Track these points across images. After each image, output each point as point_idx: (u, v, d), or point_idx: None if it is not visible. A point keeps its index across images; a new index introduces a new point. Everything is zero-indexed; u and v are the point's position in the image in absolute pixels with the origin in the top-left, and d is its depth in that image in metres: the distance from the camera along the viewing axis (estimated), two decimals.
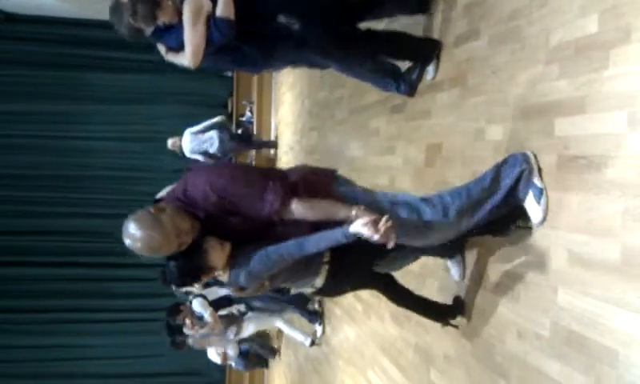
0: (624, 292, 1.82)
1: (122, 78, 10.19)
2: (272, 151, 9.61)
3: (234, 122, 10.39)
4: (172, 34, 3.02)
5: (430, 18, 3.38)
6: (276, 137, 9.69)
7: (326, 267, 2.46)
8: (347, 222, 2.07)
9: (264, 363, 9.46)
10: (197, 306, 6.09)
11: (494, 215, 2.38)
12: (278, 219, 2.20)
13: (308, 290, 2.62)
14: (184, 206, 2.22)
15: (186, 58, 3.00)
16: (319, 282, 2.50)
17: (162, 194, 2.40)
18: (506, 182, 2.32)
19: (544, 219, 2.28)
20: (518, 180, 2.31)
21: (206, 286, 5.70)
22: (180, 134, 8.42)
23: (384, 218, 1.99)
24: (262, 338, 9.52)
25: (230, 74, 10.17)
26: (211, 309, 6.19)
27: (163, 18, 2.97)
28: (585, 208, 2.02)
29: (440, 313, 2.96)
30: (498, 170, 2.36)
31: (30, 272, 9.98)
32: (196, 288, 5.62)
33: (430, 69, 3.35)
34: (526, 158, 2.32)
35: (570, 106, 2.12)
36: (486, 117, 2.73)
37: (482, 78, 2.79)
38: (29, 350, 10.08)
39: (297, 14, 2.99)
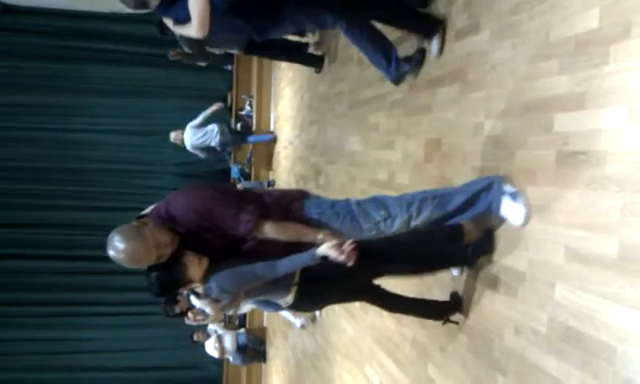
0: (621, 288, 1.82)
1: (121, 70, 10.18)
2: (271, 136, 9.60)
3: (234, 115, 10.39)
4: (178, 6, 2.99)
5: (432, 12, 3.37)
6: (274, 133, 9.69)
7: (295, 288, 2.61)
8: (315, 245, 2.31)
9: (262, 358, 9.47)
10: (196, 302, 6.09)
11: (458, 216, 2.59)
12: (252, 238, 2.40)
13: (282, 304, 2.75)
14: (165, 223, 2.37)
15: (193, 28, 2.97)
16: (289, 299, 2.64)
17: (146, 210, 2.54)
18: (475, 187, 2.53)
19: (527, 215, 2.34)
20: (485, 189, 2.50)
21: None
22: (182, 127, 8.46)
23: (348, 242, 2.25)
24: (255, 333, 9.56)
25: (230, 67, 10.15)
26: (209, 300, 6.19)
27: None
28: (583, 203, 2.02)
29: (438, 310, 2.96)
30: (470, 181, 2.61)
31: (29, 265, 9.99)
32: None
33: (434, 45, 3.25)
34: (496, 175, 2.52)
35: (569, 102, 2.12)
36: (486, 112, 2.73)
37: (482, 73, 2.78)
38: (27, 343, 10.10)
39: None
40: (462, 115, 2.96)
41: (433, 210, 2.57)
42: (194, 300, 6.25)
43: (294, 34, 3.89)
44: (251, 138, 9.65)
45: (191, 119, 8.50)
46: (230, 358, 9.19)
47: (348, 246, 2.25)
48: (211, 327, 8.94)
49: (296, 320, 6.67)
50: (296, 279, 2.59)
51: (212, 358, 9.17)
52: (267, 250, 2.44)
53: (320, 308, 3.01)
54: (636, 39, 1.81)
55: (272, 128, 9.91)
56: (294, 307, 2.74)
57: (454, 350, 2.96)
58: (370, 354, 4.29)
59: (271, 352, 9.16)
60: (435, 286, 3.19)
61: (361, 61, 4.76)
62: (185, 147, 8.54)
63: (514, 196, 2.41)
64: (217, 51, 8.20)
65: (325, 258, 2.28)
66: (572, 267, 2.06)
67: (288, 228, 2.43)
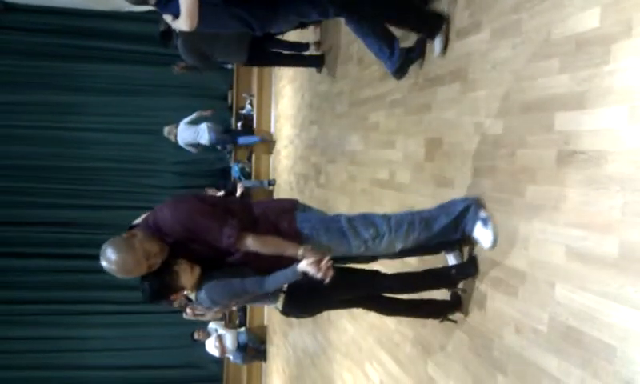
0: (622, 287, 1.82)
1: (122, 69, 10.18)
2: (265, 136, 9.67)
3: (234, 114, 10.38)
4: (176, 1, 3.01)
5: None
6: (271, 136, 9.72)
7: (282, 295, 2.72)
8: (296, 260, 2.41)
9: (262, 357, 9.48)
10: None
11: (442, 237, 2.74)
12: (236, 250, 2.48)
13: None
14: (154, 233, 2.46)
15: (181, 21, 3.00)
16: (279, 306, 2.75)
17: (137, 220, 2.62)
18: (456, 209, 2.68)
19: (495, 241, 2.57)
20: (465, 211, 2.67)
21: None
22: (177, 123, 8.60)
23: (325, 259, 2.35)
24: (256, 332, 9.56)
25: (230, 66, 10.14)
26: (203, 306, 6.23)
27: None
28: (583, 203, 2.02)
29: (437, 309, 2.97)
30: (448, 203, 2.76)
31: (30, 263, 9.99)
32: None
33: (437, 44, 3.22)
34: (474, 198, 2.70)
35: (570, 101, 2.11)
36: (486, 111, 2.73)
37: (483, 73, 2.78)
38: (28, 341, 10.11)
39: None
40: (463, 114, 2.96)
41: (420, 232, 2.69)
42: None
43: (296, 27, 3.84)
44: (240, 140, 9.75)
45: (189, 108, 8.67)
46: (231, 357, 9.20)
47: (325, 264, 2.34)
48: (211, 326, 8.95)
49: None
50: (284, 287, 2.67)
51: (212, 357, 9.17)
52: (253, 261, 2.54)
53: (312, 314, 3.07)
54: (637, 38, 1.81)
55: (272, 128, 9.91)
56: (285, 313, 2.82)
57: (454, 349, 2.97)
58: (370, 353, 4.29)
59: (272, 351, 9.16)
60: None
61: (361, 60, 4.76)
62: (177, 143, 8.80)
63: (485, 221, 2.62)
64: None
65: (305, 274, 2.38)
66: (572, 267, 2.06)
67: (270, 242, 2.50)
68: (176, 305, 3.55)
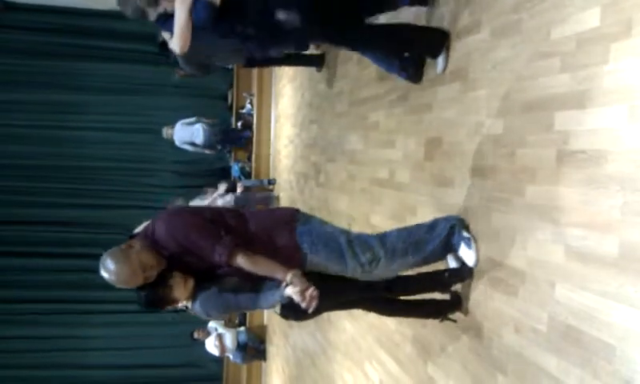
0: (621, 286, 1.82)
1: (121, 68, 10.17)
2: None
3: (234, 114, 10.38)
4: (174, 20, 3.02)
5: (432, 10, 3.37)
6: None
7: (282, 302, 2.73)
8: (285, 283, 2.46)
9: (262, 356, 9.48)
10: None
11: (434, 258, 2.85)
12: (227, 267, 2.53)
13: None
14: (150, 245, 2.52)
15: (174, 42, 3.03)
16: (278, 309, 2.77)
17: (139, 228, 2.70)
18: (441, 230, 2.79)
19: (477, 260, 2.72)
20: (451, 230, 2.78)
21: None
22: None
23: (310, 289, 2.39)
24: (255, 331, 9.56)
25: (230, 66, 10.14)
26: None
27: (165, 4, 3.03)
28: (583, 202, 2.02)
29: (437, 309, 2.97)
30: (434, 222, 2.85)
31: (29, 262, 9.99)
32: None
33: (440, 61, 3.19)
34: (457, 218, 2.83)
35: (570, 100, 2.11)
36: (487, 110, 2.73)
37: (483, 72, 2.78)
38: (28, 341, 10.10)
39: (295, 10, 2.97)
40: (463, 114, 2.96)
41: (413, 256, 2.77)
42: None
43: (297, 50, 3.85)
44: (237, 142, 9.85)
45: (187, 117, 8.69)
46: (231, 357, 9.20)
47: (309, 294, 2.39)
48: (211, 325, 8.95)
49: None
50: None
51: (212, 356, 9.17)
52: (246, 274, 2.56)
53: (312, 317, 3.08)
54: (636, 38, 1.81)
55: (272, 127, 9.91)
56: (284, 316, 2.85)
57: (453, 348, 2.97)
58: (370, 353, 4.29)
59: (271, 350, 9.16)
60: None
61: (361, 59, 4.75)
62: (174, 142, 8.85)
63: (468, 242, 2.74)
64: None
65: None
66: (572, 266, 2.06)
67: (261, 263, 2.52)
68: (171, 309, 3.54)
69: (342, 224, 5.13)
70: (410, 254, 2.75)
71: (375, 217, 4.29)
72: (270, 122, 10.01)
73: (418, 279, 2.98)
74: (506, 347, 2.49)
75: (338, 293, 2.84)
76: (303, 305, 2.40)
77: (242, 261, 2.50)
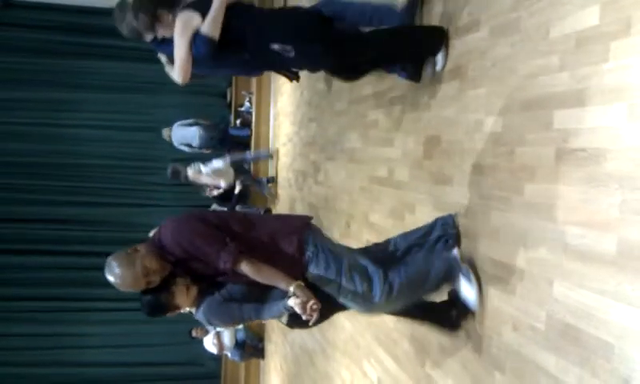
0: (620, 285, 1.82)
1: (121, 66, 10.16)
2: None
3: (233, 112, 10.38)
4: (170, 44, 3.09)
5: (431, 9, 3.37)
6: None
7: (287, 313, 2.69)
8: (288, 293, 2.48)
9: (260, 354, 9.49)
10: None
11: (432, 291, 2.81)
12: (232, 272, 2.53)
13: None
14: (156, 250, 2.57)
15: (175, 74, 3.11)
16: (284, 320, 2.75)
17: (152, 232, 2.76)
18: (440, 267, 2.75)
19: (477, 303, 2.66)
20: (450, 268, 2.74)
21: None
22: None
23: (311, 302, 2.41)
24: (254, 329, 9.56)
25: None
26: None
27: (162, 32, 3.10)
28: (582, 201, 2.02)
29: (448, 318, 2.91)
30: (433, 258, 2.82)
31: (29, 260, 9.99)
32: None
33: (439, 59, 3.20)
34: (455, 258, 2.77)
35: (569, 99, 2.11)
36: (486, 109, 2.73)
37: (482, 70, 2.78)
38: (27, 338, 10.11)
39: (290, 43, 3.04)
40: (462, 112, 2.96)
41: (410, 295, 2.75)
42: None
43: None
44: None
45: (187, 116, 8.68)
46: (229, 354, 9.20)
47: (310, 306, 2.41)
48: None
49: None
50: (288, 306, 2.64)
51: (210, 354, 9.18)
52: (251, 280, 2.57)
53: (315, 325, 3.09)
54: (636, 36, 1.81)
55: (271, 125, 9.91)
56: (290, 325, 2.82)
57: (452, 346, 2.97)
58: (368, 351, 4.29)
59: (270, 348, 9.17)
60: None
61: None
62: (172, 143, 8.93)
63: (468, 278, 2.69)
64: None
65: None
66: (571, 264, 2.06)
67: (264, 272, 2.53)
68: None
69: (341, 223, 5.13)
70: (406, 293, 2.71)
71: (374, 215, 4.29)
72: (268, 120, 10.00)
73: (424, 310, 2.96)
74: (504, 345, 2.49)
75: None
76: (304, 316, 2.42)
77: (246, 268, 2.51)
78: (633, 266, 1.77)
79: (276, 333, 8.66)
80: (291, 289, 2.46)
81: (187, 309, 2.68)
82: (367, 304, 2.66)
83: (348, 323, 4.87)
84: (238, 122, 10.12)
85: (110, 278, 2.54)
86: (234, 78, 10.32)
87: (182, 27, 2.95)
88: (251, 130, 9.90)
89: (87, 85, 10.12)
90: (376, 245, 3.06)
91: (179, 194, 10.55)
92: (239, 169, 8.61)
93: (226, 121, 10.20)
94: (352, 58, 3.28)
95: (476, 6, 2.87)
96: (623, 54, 1.86)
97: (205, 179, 8.11)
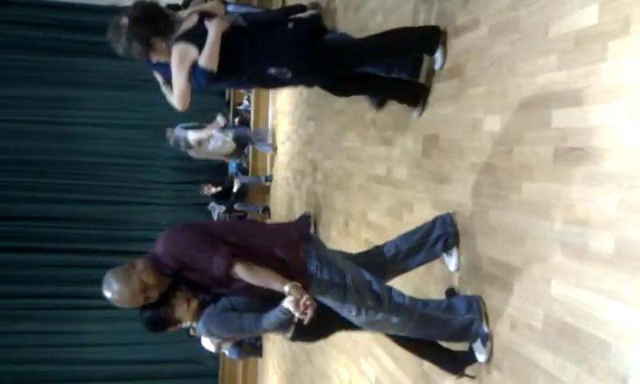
0: (617, 284, 1.82)
1: (120, 64, 10.10)
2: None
3: (232, 110, 10.38)
4: (164, 67, 3.15)
5: (430, 8, 3.37)
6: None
7: (292, 327, 2.65)
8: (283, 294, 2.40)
9: (258, 352, 9.48)
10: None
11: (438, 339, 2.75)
12: (227, 277, 2.48)
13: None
14: (153, 264, 2.54)
15: (174, 101, 3.19)
16: (289, 335, 2.72)
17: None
18: (457, 319, 2.63)
19: (488, 358, 2.56)
20: (469, 324, 2.61)
21: None
22: (179, 121, 8.66)
23: (304, 298, 2.32)
24: None
25: None
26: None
27: (156, 58, 3.13)
28: (580, 199, 2.02)
29: (452, 361, 2.83)
30: (452, 305, 2.70)
31: (27, 258, 9.99)
32: None
33: (438, 58, 3.20)
34: (478, 310, 2.63)
35: (567, 98, 2.12)
36: (484, 108, 2.73)
37: (481, 69, 2.78)
38: (25, 336, 10.11)
39: (286, 66, 3.09)
40: (461, 111, 2.96)
41: (415, 327, 2.64)
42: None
43: None
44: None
45: (187, 114, 8.63)
46: (227, 353, 9.19)
47: (303, 302, 2.32)
48: None
49: None
50: (295, 319, 2.56)
51: (208, 352, 9.13)
52: (249, 288, 2.53)
53: (319, 338, 3.08)
54: (634, 35, 1.81)
55: (269, 124, 9.90)
56: (293, 339, 2.79)
57: (450, 346, 2.97)
58: (366, 349, 4.30)
59: (267, 346, 9.17)
60: (431, 281, 3.19)
61: None
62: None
63: (484, 341, 2.59)
64: None
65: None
66: (568, 263, 2.07)
67: (259, 273, 2.47)
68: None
69: (339, 221, 5.14)
70: (413, 324, 2.61)
71: (372, 214, 4.30)
72: (267, 118, 10.00)
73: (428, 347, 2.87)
74: (501, 344, 2.50)
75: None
76: (297, 314, 2.33)
77: (240, 270, 2.45)
78: (630, 264, 1.78)
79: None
80: (286, 288, 2.38)
81: (188, 323, 2.65)
82: (373, 315, 2.59)
83: None
84: (237, 120, 10.11)
85: (108, 295, 2.53)
86: None
87: (180, 60, 3.00)
88: (250, 129, 9.90)
89: (86, 82, 10.12)
90: (377, 248, 3.00)
91: (178, 192, 10.56)
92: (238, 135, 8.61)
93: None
94: (348, 69, 3.35)
95: (475, 4, 2.87)
96: (621, 54, 1.86)
97: (199, 135, 8.05)
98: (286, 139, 8.28)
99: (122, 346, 10.43)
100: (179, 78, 3.02)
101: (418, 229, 2.96)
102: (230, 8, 5.22)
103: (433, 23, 3.29)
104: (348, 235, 4.90)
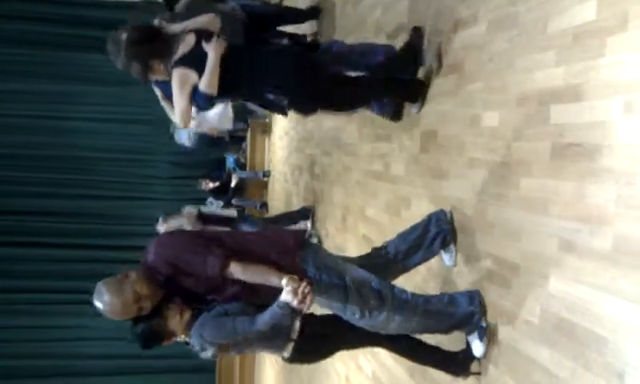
0: (614, 279, 1.83)
1: None
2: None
3: (230, 106, 10.34)
4: (163, 83, 3.20)
5: (429, 6, 3.37)
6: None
7: (291, 344, 2.60)
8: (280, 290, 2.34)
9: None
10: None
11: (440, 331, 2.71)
12: (222, 280, 2.45)
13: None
14: (146, 273, 2.49)
15: (177, 118, 3.24)
16: (286, 354, 2.66)
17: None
18: (459, 310, 2.62)
19: (485, 353, 2.57)
20: (469, 316, 2.60)
21: None
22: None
23: (302, 285, 2.28)
24: None
25: None
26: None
27: (154, 77, 3.25)
28: (578, 195, 2.02)
29: (456, 363, 2.79)
30: (453, 298, 2.68)
31: (26, 252, 9.97)
32: None
33: (414, 108, 3.42)
34: (479, 303, 2.61)
35: (566, 94, 2.12)
36: (483, 103, 2.73)
37: (480, 65, 2.78)
38: (23, 330, 10.10)
39: (282, 92, 3.19)
40: (459, 107, 2.96)
41: (418, 323, 2.63)
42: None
43: None
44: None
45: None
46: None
47: (301, 290, 2.27)
48: None
49: None
50: (294, 335, 2.57)
51: None
52: (246, 293, 2.51)
53: (320, 359, 3.06)
54: (632, 31, 1.81)
55: (267, 119, 9.89)
56: (290, 361, 2.74)
57: (447, 340, 2.97)
58: None
59: None
60: (430, 278, 3.20)
61: None
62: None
63: (481, 334, 2.59)
64: None
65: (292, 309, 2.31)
66: (566, 259, 2.07)
67: (255, 269, 2.45)
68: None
69: (337, 217, 5.14)
70: (416, 320, 2.59)
71: (370, 209, 4.30)
72: (265, 114, 9.98)
73: (429, 351, 2.87)
74: (498, 339, 2.50)
75: (349, 336, 2.75)
76: (295, 303, 2.27)
77: (235, 269, 2.43)
78: (627, 260, 1.78)
79: None
80: (283, 282, 2.34)
81: (182, 336, 2.56)
82: (377, 316, 2.55)
83: None
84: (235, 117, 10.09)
85: (99, 305, 2.44)
86: None
87: (180, 85, 3.08)
88: (248, 125, 9.88)
89: (85, 77, 10.08)
90: (376, 249, 2.97)
91: (177, 188, 10.54)
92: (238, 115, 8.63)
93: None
94: (341, 99, 3.48)
95: (474, 0, 2.87)
96: (620, 49, 1.87)
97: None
98: (285, 134, 8.28)
99: (120, 340, 10.41)
100: (180, 100, 3.11)
101: (414, 227, 2.95)
102: None
103: (430, 20, 3.30)
104: (346, 231, 4.90)
